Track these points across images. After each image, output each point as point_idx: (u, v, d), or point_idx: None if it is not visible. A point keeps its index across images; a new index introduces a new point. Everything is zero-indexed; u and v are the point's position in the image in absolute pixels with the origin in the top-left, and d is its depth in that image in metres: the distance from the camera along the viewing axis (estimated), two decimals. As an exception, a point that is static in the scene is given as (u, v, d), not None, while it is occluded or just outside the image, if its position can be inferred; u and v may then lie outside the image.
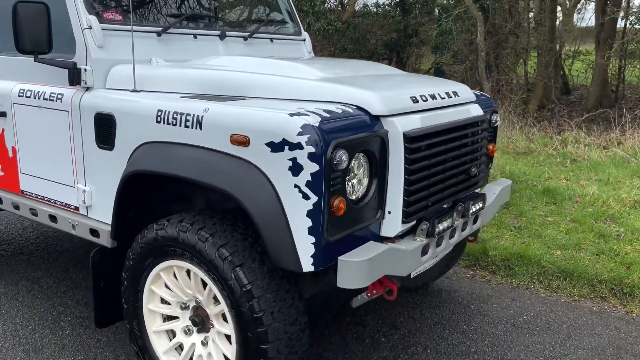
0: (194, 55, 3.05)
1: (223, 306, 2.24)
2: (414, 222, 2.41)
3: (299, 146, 1.96)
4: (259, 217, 2.04)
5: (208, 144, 2.20)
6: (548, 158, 7.11)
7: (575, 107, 11.48)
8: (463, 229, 2.74)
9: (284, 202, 2.03)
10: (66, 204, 2.91)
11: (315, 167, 1.96)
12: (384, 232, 2.35)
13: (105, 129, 2.59)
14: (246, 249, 2.21)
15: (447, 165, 2.53)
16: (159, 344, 2.56)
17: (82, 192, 2.78)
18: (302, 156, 1.96)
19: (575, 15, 13.10)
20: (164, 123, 2.34)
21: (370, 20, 15.66)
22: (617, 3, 10.57)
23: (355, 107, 2.24)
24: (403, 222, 2.32)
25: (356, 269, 2.05)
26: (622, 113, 8.96)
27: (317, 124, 1.98)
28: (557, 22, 12.06)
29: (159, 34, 2.96)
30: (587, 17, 17.64)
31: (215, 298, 2.31)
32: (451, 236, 2.63)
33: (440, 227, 2.44)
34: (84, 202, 2.78)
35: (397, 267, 2.25)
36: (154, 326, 2.56)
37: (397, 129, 2.23)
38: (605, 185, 5.58)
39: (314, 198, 1.98)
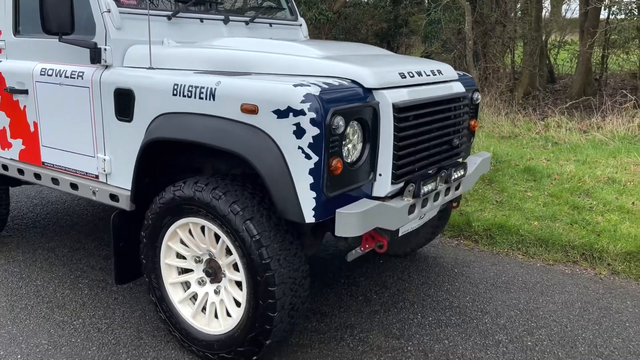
0: (200, 37, 3.33)
1: (235, 256, 2.54)
2: (402, 185, 2.72)
3: (302, 112, 2.26)
4: (267, 175, 2.35)
5: (221, 113, 2.50)
6: (531, 141, 7.46)
7: (559, 95, 11.85)
8: (446, 194, 3.06)
9: (288, 162, 2.33)
10: (86, 173, 3.20)
11: (316, 131, 2.26)
12: (376, 193, 2.67)
13: (124, 103, 2.88)
14: (254, 205, 2.52)
15: (431, 135, 2.85)
16: (175, 294, 2.87)
17: (102, 161, 3.07)
18: (305, 121, 2.26)
19: (564, 6, 13.42)
20: (180, 95, 2.63)
21: (361, 10, 15.94)
22: (600, -7, 10.90)
23: (350, 81, 2.54)
24: (392, 183, 2.63)
25: (351, 220, 2.37)
26: (603, 100, 9.33)
27: (317, 94, 2.29)
28: (544, 13, 12.40)
29: (169, 17, 3.25)
30: (573, 7, 17.91)
31: (227, 250, 2.62)
32: (435, 199, 2.95)
33: (425, 189, 2.75)
34: (104, 170, 3.07)
35: (387, 222, 2.56)
36: (170, 279, 2.86)
37: (387, 100, 2.54)
38: (583, 165, 5.93)
39: (315, 158, 2.29)
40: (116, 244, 3.04)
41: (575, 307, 3.40)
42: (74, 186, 3.25)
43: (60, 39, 2.90)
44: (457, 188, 3.17)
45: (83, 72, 3.05)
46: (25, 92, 3.39)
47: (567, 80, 13.24)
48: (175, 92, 2.65)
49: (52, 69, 3.22)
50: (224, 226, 2.50)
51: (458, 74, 3.30)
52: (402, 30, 15.99)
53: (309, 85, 2.33)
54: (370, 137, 2.55)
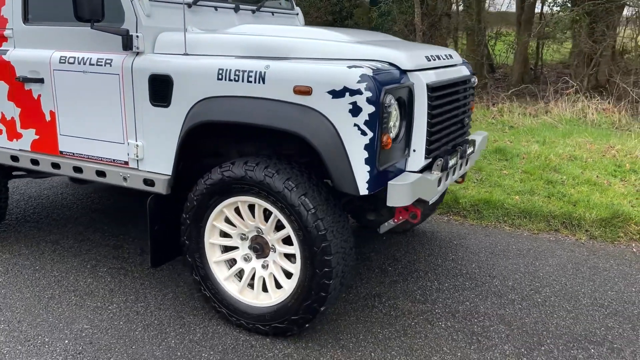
0: (215, 25, 3.42)
1: (288, 230, 2.70)
2: (430, 160, 2.97)
3: (358, 92, 2.45)
4: (324, 151, 2.52)
5: (271, 95, 2.64)
6: (489, 125, 7.95)
7: (500, 83, 12.57)
8: (460, 169, 3.34)
9: (343, 138, 2.51)
10: (113, 160, 3.23)
11: (371, 109, 2.46)
12: (409, 167, 2.89)
13: (160, 88, 2.95)
14: (305, 181, 2.68)
15: (451, 114, 3.11)
16: (220, 272, 2.98)
17: (134, 147, 3.12)
18: (361, 100, 2.45)
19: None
20: (226, 80, 2.74)
21: (306, 3, 16.10)
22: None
23: (387, 64, 2.75)
24: (425, 158, 2.87)
25: (402, 191, 2.59)
26: (541, 88, 10.02)
27: (371, 74, 2.49)
28: (487, 6, 13.07)
29: (189, 5, 3.32)
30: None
31: (277, 226, 2.77)
32: (453, 173, 3.22)
33: (450, 163, 3.01)
34: (136, 156, 3.12)
35: (425, 193, 2.80)
36: (214, 257, 2.97)
37: (421, 81, 2.77)
38: (543, 145, 6.43)
39: (370, 134, 2.48)
40: (152, 228, 3.11)
41: (568, 268, 3.78)
42: (100, 174, 3.27)
43: (92, 26, 2.92)
44: (466, 163, 3.46)
45: (111, 60, 3.09)
46: (41, 80, 3.36)
47: (505, 70, 14.06)
48: (220, 76, 2.75)
49: (74, 57, 3.22)
50: (279, 202, 2.65)
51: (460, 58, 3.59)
52: (347, 23, 16.29)
53: (362, 67, 2.52)
54: (407, 115, 2.77)
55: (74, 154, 3.39)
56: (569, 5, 11.34)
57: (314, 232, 2.60)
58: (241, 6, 3.75)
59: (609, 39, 10.25)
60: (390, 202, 2.60)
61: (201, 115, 2.81)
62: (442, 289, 3.44)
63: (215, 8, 3.54)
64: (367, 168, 2.53)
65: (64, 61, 3.26)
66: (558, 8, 11.47)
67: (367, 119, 2.47)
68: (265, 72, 2.64)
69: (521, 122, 8.04)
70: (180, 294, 3.35)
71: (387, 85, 2.54)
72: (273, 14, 4.09)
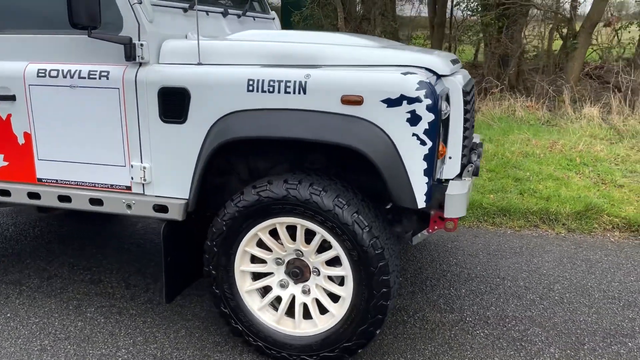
0: (207, 31, 3.12)
1: (335, 251, 2.50)
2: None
3: (417, 100, 2.31)
4: (382, 164, 2.36)
5: (314, 107, 2.42)
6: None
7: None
8: (472, 171, 3.31)
9: (400, 149, 2.37)
10: (111, 185, 2.84)
11: (431, 117, 2.33)
12: (445, 175, 2.78)
13: (174, 103, 2.62)
14: (353, 197, 2.50)
15: (472, 117, 3.07)
16: (252, 301, 2.71)
17: (139, 169, 2.76)
18: (420, 108, 2.32)
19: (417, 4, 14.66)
20: (257, 91, 2.49)
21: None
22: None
23: (425, 69, 2.64)
24: (461, 164, 2.79)
25: (460, 201, 2.49)
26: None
27: (427, 81, 2.36)
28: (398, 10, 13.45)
29: (185, 9, 3.01)
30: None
31: (319, 248, 2.56)
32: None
33: (478, 166, 2.97)
34: (143, 180, 2.76)
35: (468, 199, 2.72)
36: (245, 286, 2.70)
37: (457, 86, 2.69)
38: (492, 143, 6.66)
39: (429, 144, 2.36)
40: (166, 259, 2.78)
41: (565, 262, 3.89)
42: (95, 202, 2.86)
43: (90, 34, 2.54)
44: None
45: (108, 72, 2.71)
46: (11, 98, 2.89)
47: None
48: (250, 87, 2.50)
49: (57, 70, 2.79)
50: (327, 221, 2.45)
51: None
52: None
53: (416, 74, 2.38)
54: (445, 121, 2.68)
55: (57, 180, 2.94)
56: (479, 9, 11.92)
57: (371, 252, 2.43)
58: (230, 11, 3.48)
59: (524, 40, 10.92)
60: (449, 213, 2.49)
61: (230, 131, 2.53)
62: (461, 296, 3.39)
63: (207, 13, 3.25)
64: (426, 180, 2.40)
65: (43, 74, 2.81)
66: (470, 12, 12.02)
67: (427, 127, 2.34)
68: (306, 82, 2.43)
69: (458, 122, 8.28)
70: (194, 329, 3.02)
71: (441, 91, 2.43)
72: (254, 19, 3.85)
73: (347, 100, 2.38)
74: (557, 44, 11.90)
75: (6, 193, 3.02)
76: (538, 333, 2.98)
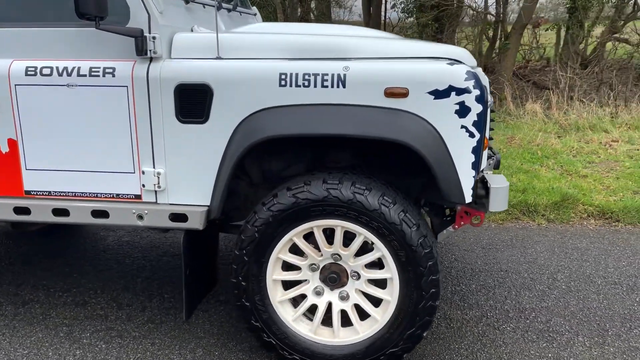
0: (203, 24, 2.91)
1: (379, 253, 2.37)
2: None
3: (467, 91, 2.23)
4: (432, 158, 2.26)
5: (354, 101, 2.29)
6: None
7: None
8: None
9: (447, 142, 2.28)
10: (117, 195, 2.56)
11: (479, 108, 2.26)
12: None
13: (193, 101, 2.40)
14: (397, 195, 2.38)
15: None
16: (286, 312, 2.52)
17: (152, 176, 2.49)
18: (470, 99, 2.24)
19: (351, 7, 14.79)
20: (290, 86, 2.32)
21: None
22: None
23: (454, 61, 2.57)
24: (488, 157, 2.75)
25: (504, 194, 2.44)
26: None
27: (474, 71, 2.29)
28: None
29: (187, 1, 2.78)
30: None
31: (358, 251, 2.42)
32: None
33: (499, 159, 2.95)
34: (157, 187, 2.50)
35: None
36: (278, 296, 2.50)
37: (485, 77, 2.64)
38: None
39: (477, 136, 2.28)
40: (186, 272, 2.54)
41: (557, 252, 3.98)
42: (99, 214, 2.56)
43: (98, 25, 2.26)
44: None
45: (113, 68, 2.43)
46: (-7, 100, 2.53)
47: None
48: (282, 82, 2.32)
49: (50, 67, 2.47)
50: (373, 222, 2.31)
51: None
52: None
53: (462, 64, 2.31)
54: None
55: (49, 192, 2.61)
56: (415, 10, 12.18)
57: (420, 251, 2.32)
58: (224, 5, 3.27)
59: (456, 42, 11.26)
60: (493, 207, 2.44)
61: (263, 130, 2.33)
62: (473, 291, 3.36)
63: (203, 5, 3.03)
64: (473, 173, 2.33)
65: (33, 72, 2.48)
66: (406, 14, 12.25)
67: (476, 119, 2.27)
68: (345, 75, 2.28)
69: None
70: (211, 347, 2.78)
71: (484, 82, 2.37)
72: (240, 14, 3.64)
73: (391, 93, 2.26)
74: (487, 44, 12.44)
75: (-13, 210, 2.64)
76: (561, 323, 2.99)
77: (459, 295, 3.32)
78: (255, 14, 4.00)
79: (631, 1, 11.39)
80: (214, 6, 3.17)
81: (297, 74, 2.31)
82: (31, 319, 3.08)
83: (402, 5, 12.03)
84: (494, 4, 12.14)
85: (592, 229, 4.45)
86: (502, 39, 11.27)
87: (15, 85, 2.50)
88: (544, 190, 4.88)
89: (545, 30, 13.39)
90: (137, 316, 3.09)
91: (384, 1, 13.10)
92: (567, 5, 11.02)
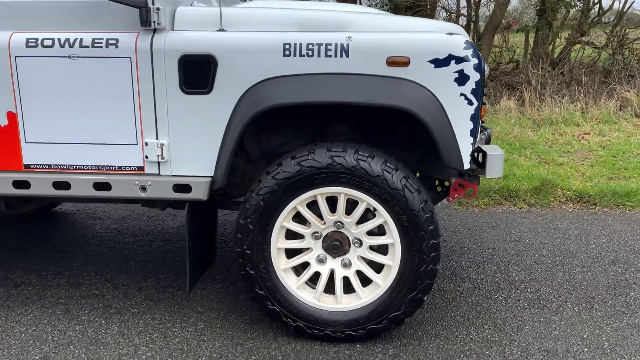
0: (200, 1, 2.94)
1: (382, 219, 2.44)
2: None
3: (465, 59, 2.33)
4: (433, 125, 2.34)
5: (357, 70, 2.36)
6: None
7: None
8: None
9: (447, 110, 2.37)
10: (119, 167, 2.57)
11: (477, 76, 2.36)
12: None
13: (197, 71, 2.43)
14: (398, 162, 2.46)
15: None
16: (289, 280, 2.56)
17: (156, 147, 2.51)
18: (468, 67, 2.33)
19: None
20: (294, 55, 2.37)
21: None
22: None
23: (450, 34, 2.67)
24: (481, 130, 2.85)
25: (499, 162, 2.53)
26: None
27: (471, 41, 2.38)
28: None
29: (185, -22, 2.81)
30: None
31: (360, 219, 2.49)
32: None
33: (490, 134, 3.05)
34: (161, 158, 2.52)
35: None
36: (282, 264, 2.55)
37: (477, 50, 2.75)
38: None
39: (475, 103, 2.38)
40: (189, 244, 2.57)
41: (540, 232, 4.12)
42: (101, 186, 2.56)
43: (105, -5, 2.29)
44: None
45: (116, 39, 2.45)
46: (-8, 73, 2.52)
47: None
48: (287, 52, 2.38)
49: (52, 39, 2.47)
50: (376, 187, 2.38)
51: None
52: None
53: (458, 34, 2.40)
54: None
55: (50, 166, 2.60)
56: (389, 11, 12.38)
57: (422, 215, 2.40)
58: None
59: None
60: (490, 174, 2.53)
61: (268, 99, 2.38)
62: (463, 266, 3.46)
63: (199, -16, 3.06)
64: (471, 140, 2.42)
65: (34, 44, 2.48)
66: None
67: (474, 87, 2.36)
68: (348, 45, 2.35)
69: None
70: (212, 320, 2.80)
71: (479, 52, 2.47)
72: (232, -2, 3.68)
73: (393, 62, 2.34)
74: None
75: (-15, 184, 2.62)
76: (549, 292, 3.11)
77: (450, 270, 3.41)
78: (245, -1, 4.04)
79: (596, 6, 11.83)
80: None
81: (301, 44, 2.37)
82: (25, 299, 3.04)
83: (377, 5, 12.20)
84: (466, 7, 12.47)
85: (571, 211, 4.61)
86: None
87: (16, 57, 2.49)
88: (524, 177, 5.04)
89: (516, 32, 13.75)
90: (134, 295, 3.09)
91: (358, 2, 13.25)
92: (537, 8, 11.35)
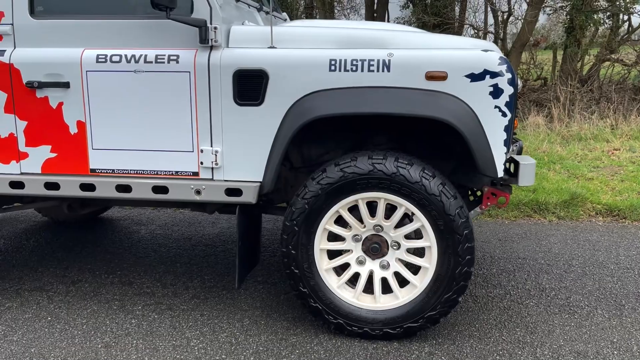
0: (241, 20, 3.14)
1: (419, 223, 2.60)
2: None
3: (500, 74, 2.50)
4: (470, 135, 2.51)
5: (397, 83, 2.55)
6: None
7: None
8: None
9: (482, 121, 2.53)
10: (176, 172, 2.79)
11: (511, 90, 2.52)
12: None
13: (250, 85, 2.65)
14: (435, 170, 2.63)
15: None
16: (331, 280, 2.74)
17: (210, 154, 2.73)
18: (502, 82, 2.50)
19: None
20: (339, 70, 2.57)
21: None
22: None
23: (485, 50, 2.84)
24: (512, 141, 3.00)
25: (531, 170, 2.69)
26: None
27: (505, 57, 2.56)
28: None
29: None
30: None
31: (398, 223, 2.66)
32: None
33: (522, 146, 3.20)
34: (215, 164, 2.74)
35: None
36: (324, 265, 2.72)
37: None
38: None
39: (509, 115, 2.54)
40: (239, 243, 2.77)
41: (570, 243, 4.21)
42: (159, 190, 2.79)
43: (168, 15, 2.53)
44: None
45: (177, 55, 2.69)
46: (65, 85, 2.77)
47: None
48: (332, 67, 2.58)
49: (119, 55, 2.72)
50: (415, 193, 2.55)
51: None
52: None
53: (494, 51, 2.58)
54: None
55: (113, 170, 2.84)
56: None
57: (458, 220, 2.56)
58: (264, 7, 3.55)
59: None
60: (522, 182, 2.69)
61: (314, 110, 2.58)
62: (495, 274, 3.59)
63: (248, 5, 3.30)
64: (504, 149, 2.58)
65: (103, 60, 2.73)
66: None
67: (508, 100, 2.52)
68: (389, 60, 2.55)
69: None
70: (257, 317, 2.99)
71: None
72: (275, 17, 3.92)
73: (431, 76, 2.52)
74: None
75: (54, 186, 2.87)
76: (580, 300, 3.21)
77: (482, 277, 3.54)
78: (285, 19, 4.28)
79: (625, 23, 11.85)
80: (256, 7, 3.47)
81: (345, 60, 2.58)
82: (83, 295, 3.28)
83: (406, 24, 12.42)
84: (493, 24, 12.62)
85: (601, 225, 4.69)
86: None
87: (87, 71, 2.75)
88: (554, 190, 5.14)
89: (544, 49, 13.82)
90: (182, 293, 3.30)
91: (386, 20, 13.53)
92: (565, 25, 11.43)
